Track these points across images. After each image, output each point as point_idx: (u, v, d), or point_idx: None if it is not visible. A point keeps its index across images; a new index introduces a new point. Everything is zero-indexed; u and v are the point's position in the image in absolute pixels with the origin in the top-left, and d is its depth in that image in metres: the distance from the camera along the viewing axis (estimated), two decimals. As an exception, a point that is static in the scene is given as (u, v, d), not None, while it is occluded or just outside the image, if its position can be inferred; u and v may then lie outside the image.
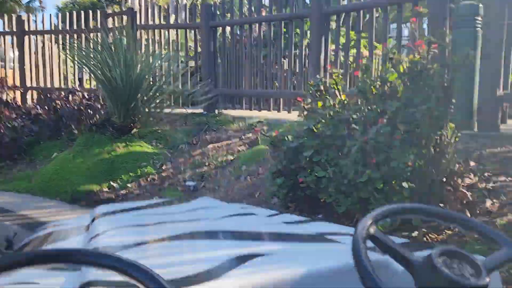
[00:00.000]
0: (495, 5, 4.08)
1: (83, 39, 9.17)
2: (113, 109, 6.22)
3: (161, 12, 8.46)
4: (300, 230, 1.49)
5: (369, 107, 2.90)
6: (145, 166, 5.78)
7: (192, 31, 8.14)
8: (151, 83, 6.53)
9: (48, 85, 9.90)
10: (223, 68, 7.83)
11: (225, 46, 7.83)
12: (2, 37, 10.18)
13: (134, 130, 6.40)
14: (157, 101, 6.40)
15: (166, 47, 7.88)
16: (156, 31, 8.24)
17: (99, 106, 8.09)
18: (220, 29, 8.04)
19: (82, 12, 9.41)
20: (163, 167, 5.80)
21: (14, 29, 9.77)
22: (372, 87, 2.90)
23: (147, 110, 6.43)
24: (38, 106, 7.78)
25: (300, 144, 3.30)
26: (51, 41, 10.13)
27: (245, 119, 6.94)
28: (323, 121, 3.21)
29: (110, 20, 8.96)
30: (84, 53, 6.22)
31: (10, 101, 8.38)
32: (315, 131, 3.23)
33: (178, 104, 7.77)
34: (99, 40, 8.25)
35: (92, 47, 6.16)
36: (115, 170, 5.72)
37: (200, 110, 7.58)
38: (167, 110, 7.06)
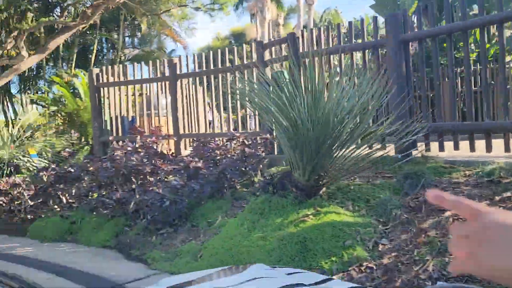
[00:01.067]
0: None
1: (236, 77, 7.97)
2: (295, 162, 4.52)
3: (329, 32, 6.76)
4: None
5: None
6: (352, 246, 3.88)
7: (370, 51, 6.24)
8: (339, 122, 4.71)
9: (201, 131, 8.86)
10: (423, 94, 5.73)
11: (423, 64, 5.75)
12: (154, 84, 9.58)
13: (323, 189, 4.61)
14: (353, 146, 4.54)
15: (347, 74, 6.09)
16: (326, 56, 6.53)
17: (262, 154, 6.60)
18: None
19: (226, 50, 8.23)
20: (379, 248, 3.84)
21: (166, 74, 9.04)
22: None
23: (338, 160, 4.60)
24: (196, 159, 6.54)
25: None
26: (195, 84, 9.20)
27: (473, 164, 4.70)
28: None
29: (266, 52, 7.57)
30: (256, 90, 4.71)
31: (166, 153, 7.39)
32: None
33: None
34: (254, 77, 6.88)
35: (267, 83, 4.60)
36: (309, 253, 3.94)
37: (385, 151, 5.50)
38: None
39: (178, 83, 8.82)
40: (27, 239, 6.85)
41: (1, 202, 7.81)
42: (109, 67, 10.04)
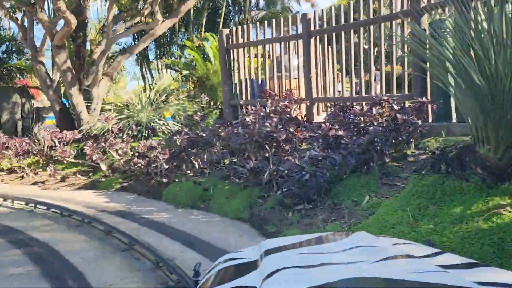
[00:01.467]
0: None
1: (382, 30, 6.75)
2: (483, 132, 3.36)
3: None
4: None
5: None
6: None
7: None
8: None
9: (336, 95, 7.90)
10: None
11: None
12: (283, 44, 8.81)
13: (522, 172, 3.38)
14: None
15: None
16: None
17: (418, 122, 5.43)
18: None
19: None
20: None
21: (299, 31, 8.17)
22: None
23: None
24: (336, 126, 5.66)
25: None
26: (331, 43, 8.13)
27: None
28: None
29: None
30: (427, 40, 3.58)
31: (300, 118, 6.64)
32: None
33: None
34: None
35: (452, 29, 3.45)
36: (510, 260, 2.85)
37: None
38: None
39: (312, 41, 7.89)
40: (163, 203, 6.80)
41: (140, 165, 7.96)
42: (239, 27, 9.53)
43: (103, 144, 8.78)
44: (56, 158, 9.56)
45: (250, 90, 9.32)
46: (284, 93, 7.51)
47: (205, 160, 7.38)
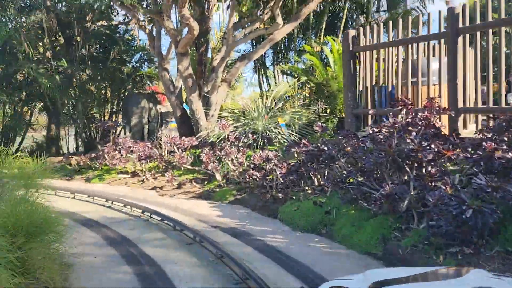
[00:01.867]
0: None
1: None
2: None
3: None
4: None
5: None
6: None
7: None
8: None
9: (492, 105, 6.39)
10: None
11: None
12: (424, 43, 7.51)
13: None
14: None
15: None
16: None
17: None
18: None
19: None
20: None
21: (443, 29, 6.83)
22: None
23: None
24: (503, 145, 4.31)
25: None
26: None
27: None
28: None
29: None
30: None
31: (448, 134, 5.37)
32: None
33: None
34: None
35: None
36: None
37: None
38: None
39: (460, 40, 6.50)
40: (278, 223, 6.07)
41: (255, 177, 7.37)
42: (367, 27, 8.44)
43: (219, 152, 8.43)
44: (174, 163, 9.52)
45: (378, 98, 8.16)
46: (423, 102, 6.26)
47: (326, 177, 6.49)
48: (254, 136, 9.36)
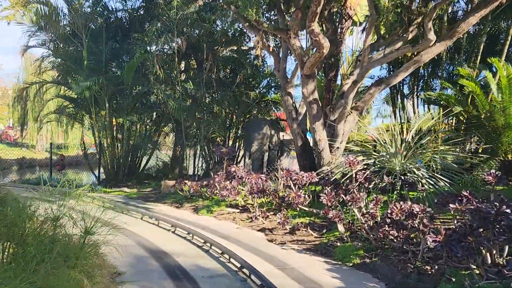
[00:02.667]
0: None
1: None
2: None
3: None
4: None
5: None
6: None
7: None
8: None
9: None
10: None
11: None
12: None
13: None
14: None
15: None
16: None
17: None
18: None
19: None
20: None
21: None
22: None
23: None
24: None
25: None
26: None
27: None
28: None
29: None
30: None
31: None
32: None
33: None
34: None
35: None
36: None
37: None
38: None
39: None
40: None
41: (392, 237, 5.35)
42: None
43: (343, 196, 6.60)
44: (289, 201, 7.94)
45: None
46: None
47: (506, 257, 4.20)
48: (389, 178, 7.28)
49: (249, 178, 8.73)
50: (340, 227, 6.35)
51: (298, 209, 7.74)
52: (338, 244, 6.26)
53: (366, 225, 5.81)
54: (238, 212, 8.76)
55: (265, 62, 17.72)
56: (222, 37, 14.60)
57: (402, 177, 7.28)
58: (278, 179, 9.29)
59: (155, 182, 13.64)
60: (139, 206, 9.64)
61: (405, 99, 14.96)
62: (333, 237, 6.65)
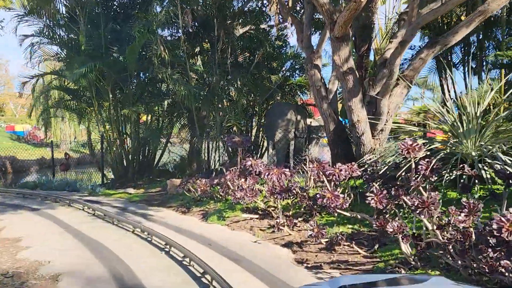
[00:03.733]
0: None
1: None
2: None
3: None
4: None
5: None
6: None
7: None
8: None
9: None
10: None
11: None
12: None
13: None
14: None
15: None
16: None
17: None
18: None
19: None
20: None
21: None
22: None
23: None
24: None
25: None
26: None
27: None
28: None
29: None
30: None
31: None
32: None
33: None
34: None
35: None
36: None
37: None
38: None
39: None
40: None
41: (503, 269, 3.15)
42: None
43: (403, 198, 4.39)
44: (323, 204, 5.80)
45: None
46: None
47: None
48: (465, 166, 5.00)
49: (269, 174, 6.61)
50: (404, 247, 4.16)
51: (335, 214, 5.59)
52: (402, 271, 4.09)
53: (451, 245, 3.59)
54: (256, 218, 6.68)
55: (287, 43, 15.44)
56: (236, 14, 12.47)
57: (485, 168, 4.99)
58: (307, 173, 7.16)
59: (166, 181, 11.74)
60: (138, 213, 7.73)
61: (453, 69, 12.39)
62: (391, 257, 4.48)
